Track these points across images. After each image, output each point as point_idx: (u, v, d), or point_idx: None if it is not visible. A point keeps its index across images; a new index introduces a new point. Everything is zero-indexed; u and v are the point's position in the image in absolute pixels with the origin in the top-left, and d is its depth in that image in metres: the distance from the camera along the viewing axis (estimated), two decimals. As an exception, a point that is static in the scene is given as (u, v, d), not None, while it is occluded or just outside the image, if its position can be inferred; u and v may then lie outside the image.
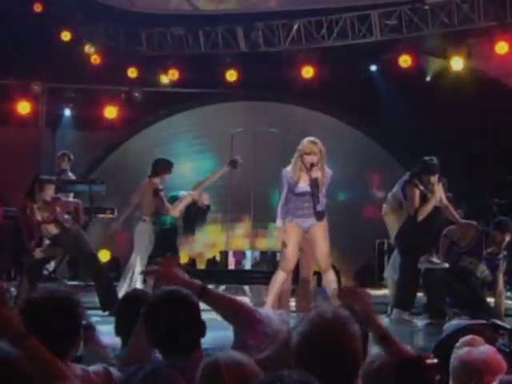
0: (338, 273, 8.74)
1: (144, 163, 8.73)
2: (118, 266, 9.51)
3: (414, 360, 2.53)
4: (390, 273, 7.46)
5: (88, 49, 11.59)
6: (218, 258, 10.81)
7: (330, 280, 6.33)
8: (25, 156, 11.32)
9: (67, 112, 12.10)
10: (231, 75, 11.42)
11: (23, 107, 11.53)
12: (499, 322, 3.69)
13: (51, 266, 8.33)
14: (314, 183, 6.20)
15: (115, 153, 12.52)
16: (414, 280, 6.83)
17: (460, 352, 2.92)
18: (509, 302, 7.74)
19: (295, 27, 11.09)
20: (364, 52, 11.28)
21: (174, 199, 7.82)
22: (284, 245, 6.39)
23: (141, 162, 10.02)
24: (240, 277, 9.48)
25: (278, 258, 8.41)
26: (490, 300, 7.09)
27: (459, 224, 7.03)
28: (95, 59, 11.70)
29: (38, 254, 7.35)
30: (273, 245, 10.89)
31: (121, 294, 6.71)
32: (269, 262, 9.90)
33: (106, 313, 6.64)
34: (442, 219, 6.92)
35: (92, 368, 2.66)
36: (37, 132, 11.84)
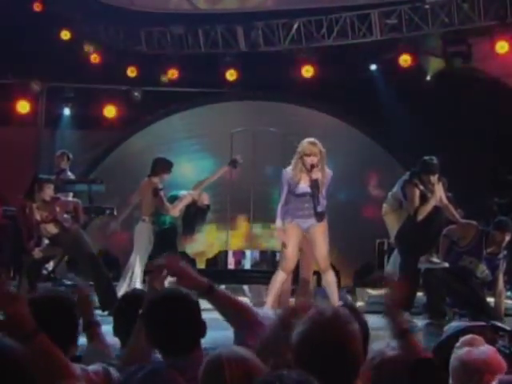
0: (337, 273, 8.73)
1: (144, 163, 8.72)
2: (118, 266, 9.48)
3: (431, 361, 2.54)
4: (390, 273, 7.45)
5: (87, 48, 11.57)
6: (217, 258, 10.80)
7: (330, 280, 6.34)
8: (24, 155, 11.30)
9: (67, 111, 12.09)
10: (231, 75, 11.41)
11: (22, 106, 11.51)
12: (499, 324, 3.69)
13: (50, 265, 8.33)
14: (315, 184, 6.22)
15: (115, 152, 12.50)
16: (413, 280, 6.82)
17: (460, 352, 2.91)
18: (509, 301, 7.73)
19: (295, 26, 11.07)
20: (364, 51, 11.27)
21: (173, 199, 7.81)
22: (284, 245, 6.40)
23: (140, 161, 10.00)
24: (240, 276, 9.48)
25: (278, 257, 8.42)
26: (490, 300, 7.08)
27: (459, 224, 7.03)
28: (95, 58, 11.69)
29: (37, 253, 7.35)
30: (272, 245, 10.88)
31: (120, 293, 6.70)
32: (268, 262, 9.91)
33: (106, 313, 6.63)
34: (441, 219, 6.92)
35: (91, 368, 2.66)
36: (36, 131, 11.82)
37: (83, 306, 2.91)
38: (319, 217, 6.28)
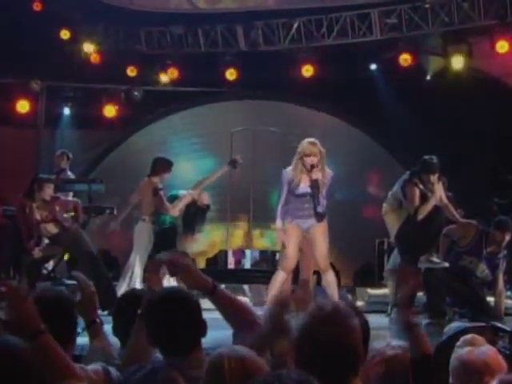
0: (337, 272, 8.73)
1: (143, 162, 8.72)
2: (118, 266, 9.48)
3: (431, 358, 2.55)
4: (390, 272, 7.45)
5: (87, 47, 11.55)
6: (217, 258, 10.80)
7: (330, 280, 6.35)
8: (24, 155, 11.29)
9: (66, 111, 12.08)
10: (231, 74, 11.40)
11: (22, 106, 11.50)
12: (499, 325, 3.69)
13: (50, 265, 8.32)
14: (315, 184, 6.22)
15: (114, 152, 12.49)
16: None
17: (460, 351, 2.91)
18: (509, 301, 7.73)
19: (295, 26, 11.07)
20: (364, 51, 11.27)
21: (173, 198, 7.80)
22: (283, 246, 6.41)
23: (140, 161, 10.00)
24: (239, 276, 9.48)
25: (278, 257, 8.41)
26: (490, 299, 7.08)
27: (459, 223, 7.03)
28: (94, 58, 11.67)
29: (37, 253, 7.34)
30: (272, 244, 10.88)
31: (120, 293, 6.69)
32: (268, 262, 9.91)
33: (105, 312, 6.62)
34: (441, 218, 6.91)
35: (91, 367, 2.66)
36: (36, 131, 11.81)
37: (88, 304, 2.89)
38: (319, 217, 6.28)
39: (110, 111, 11.77)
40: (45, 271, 8.12)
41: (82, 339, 3.06)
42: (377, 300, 8.38)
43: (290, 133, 11.01)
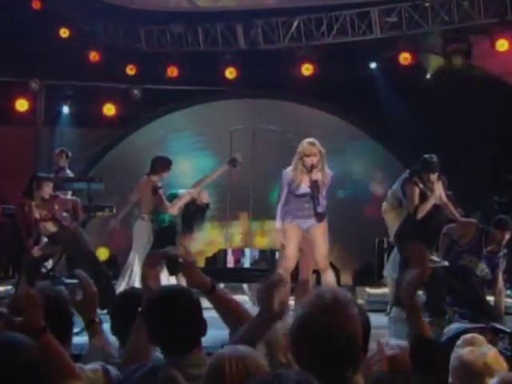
0: (337, 271, 8.73)
1: (143, 161, 8.70)
2: (117, 264, 9.47)
3: (431, 342, 2.55)
4: (390, 271, 7.44)
5: (87, 46, 11.55)
6: (217, 257, 10.78)
7: (329, 280, 6.35)
8: (23, 153, 11.28)
9: (66, 109, 12.06)
10: (230, 73, 11.38)
11: (21, 105, 11.48)
12: (499, 326, 3.68)
13: (49, 263, 8.31)
14: (315, 185, 6.22)
15: (114, 150, 12.48)
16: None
17: (461, 351, 2.89)
18: (509, 300, 7.73)
19: (295, 24, 11.05)
20: (364, 49, 11.25)
21: (173, 197, 7.79)
22: (283, 247, 6.41)
23: (140, 159, 9.99)
24: (239, 275, 9.47)
25: (277, 256, 8.40)
26: (490, 298, 7.07)
27: (459, 222, 7.02)
28: (94, 56, 11.66)
29: (36, 251, 7.33)
30: (272, 243, 10.86)
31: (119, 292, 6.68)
32: (268, 261, 9.89)
33: (105, 311, 6.61)
34: (441, 217, 6.90)
35: (90, 366, 2.65)
36: (35, 129, 11.80)
37: (89, 303, 2.88)
38: (319, 217, 6.29)
39: (109, 110, 11.76)
40: (44, 270, 8.11)
41: (82, 338, 3.05)
42: (376, 299, 8.38)
43: (290, 131, 11.00)
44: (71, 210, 7.53)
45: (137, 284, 7.20)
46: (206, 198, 7.95)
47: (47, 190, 7.29)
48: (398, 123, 11.12)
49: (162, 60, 11.65)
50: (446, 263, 6.79)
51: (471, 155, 10.86)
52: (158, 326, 2.58)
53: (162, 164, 7.83)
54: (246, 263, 10.13)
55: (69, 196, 8.37)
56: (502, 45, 10.27)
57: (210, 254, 11.38)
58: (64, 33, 11.54)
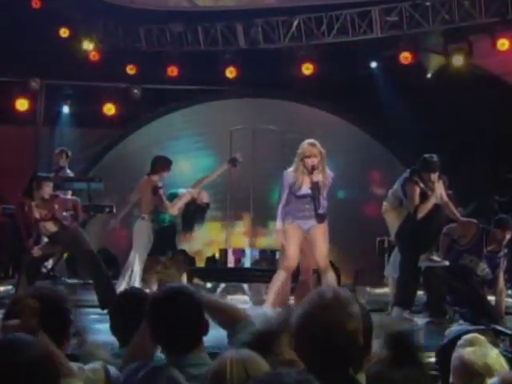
0: (337, 271, 8.71)
1: (143, 161, 8.69)
2: (117, 264, 9.46)
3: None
4: (390, 271, 7.43)
5: (86, 45, 11.54)
6: (217, 256, 10.78)
7: (330, 280, 6.33)
8: (23, 153, 11.27)
9: (66, 109, 12.06)
10: (231, 72, 11.37)
11: (21, 104, 11.48)
12: (500, 328, 3.67)
13: (50, 263, 8.31)
14: (315, 186, 6.22)
15: (114, 150, 12.48)
16: (414, 278, 6.79)
17: (462, 351, 2.89)
18: (509, 300, 7.71)
19: (295, 24, 11.04)
20: (364, 49, 11.24)
21: (173, 197, 7.78)
22: (283, 247, 6.41)
23: (140, 159, 9.98)
24: (239, 275, 9.45)
25: (278, 256, 8.39)
26: (491, 298, 7.05)
27: (459, 222, 7.01)
28: (94, 56, 11.66)
29: (36, 251, 7.31)
30: (272, 243, 10.86)
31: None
32: (268, 261, 9.86)
33: (105, 311, 6.60)
34: (442, 217, 6.89)
35: (89, 366, 2.65)
36: (35, 129, 11.80)
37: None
38: (320, 218, 6.29)
39: (109, 109, 11.75)
40: (44, 270, 8.10)
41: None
42: (377, 299, 8.36)
43: (290, 131, 10.99)
44: (71, 209, 7.51)
45: (137, 284, 7.20)
46: (206, 197, 7.94)
47: (47, 189, 7.28)
48: (398, 123, 11.11)
49: (162, 59, 11.65)
50: (447, 263, 6.77)
51: (472, 154, 10.85)
52: (160, 325, 2.59)
53: (162, 164, 7.82)
54: (247, 263, 10.11)
55: (69, 196, 8.37)
56: (502, 44, 10.26)
57: (210, 254, 11.38)
58: (64, 33, 11.54)
